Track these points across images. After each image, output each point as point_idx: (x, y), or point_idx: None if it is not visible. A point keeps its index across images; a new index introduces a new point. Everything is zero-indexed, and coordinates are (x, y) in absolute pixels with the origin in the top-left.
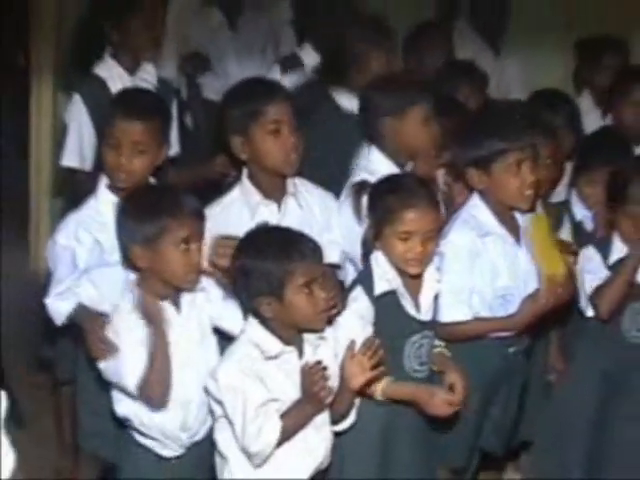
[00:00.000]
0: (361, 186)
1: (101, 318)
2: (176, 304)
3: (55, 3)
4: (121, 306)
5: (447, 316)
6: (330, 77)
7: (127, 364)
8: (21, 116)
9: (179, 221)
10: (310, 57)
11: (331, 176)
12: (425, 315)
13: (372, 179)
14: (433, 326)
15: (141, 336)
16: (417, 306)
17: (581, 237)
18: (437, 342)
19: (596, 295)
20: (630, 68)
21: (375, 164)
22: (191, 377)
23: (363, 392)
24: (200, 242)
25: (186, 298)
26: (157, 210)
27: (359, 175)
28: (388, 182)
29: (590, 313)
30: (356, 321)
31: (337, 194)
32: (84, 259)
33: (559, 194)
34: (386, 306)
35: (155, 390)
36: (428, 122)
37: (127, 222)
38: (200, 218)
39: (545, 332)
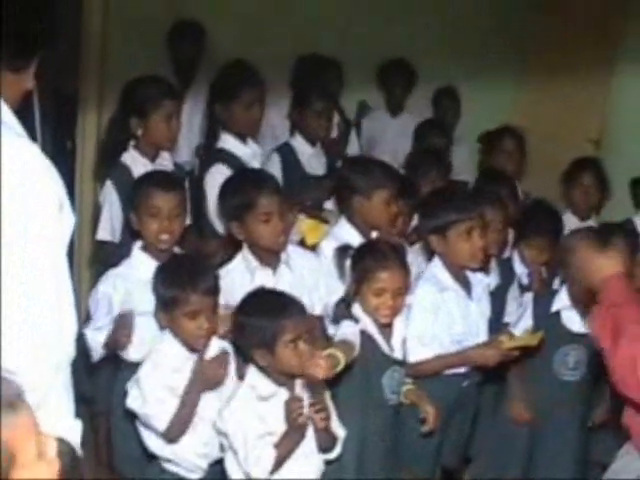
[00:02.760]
0: (344, 250)
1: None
2: (201, 358)
3: (96, 104)
4: (154, 355)
5: (413, 356)
6: None
7: (156, 411)
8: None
9: (188, 297)
10: (301, 146)
11: None
12: (397, 354)
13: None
14: (402, 363)
15: (170, 384)
16: (390, 346)
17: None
18: (407, 380)
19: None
20: (580, 158)
21: (344, 232)
22: (211, 416)
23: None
24: (209, 312)
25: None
26: (171, 283)
27: (330, 240)
28: (366, 247)
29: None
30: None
31: None
32: (118, 304)
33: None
34: (367, 347)
35: (177, 433)
36: (390, 203)
37: (155, 287)
38: (210, 293)
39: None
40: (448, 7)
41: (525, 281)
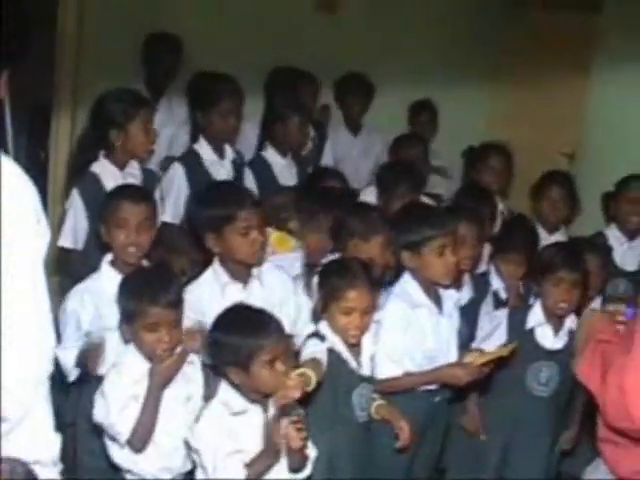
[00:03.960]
0: (312, 267)
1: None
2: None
3: (70, 115)
4: (118, 366)
5: (383, 373)
6: None
7: (120, 419)
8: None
9: (147, 310)
10: (273, 158)
11: None
12: (365, 371)
13: None
14: (371, 380)
15: (133, 392)
16: (359, 364)
17: (495, 304)
18: (375, 396)
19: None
20: (549, 172)
21: None
22: (176, 429)
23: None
24: (170, 326)
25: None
26: (133, 296)
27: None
28: (335, 265)
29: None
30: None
31: None
32: (87, 322)
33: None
34: (335, 364)
35: (141, 440)
36: (387, 246)
37: (119, 300)
38: (172, 306)
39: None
40: (420, 20)
41: (503, 295)
